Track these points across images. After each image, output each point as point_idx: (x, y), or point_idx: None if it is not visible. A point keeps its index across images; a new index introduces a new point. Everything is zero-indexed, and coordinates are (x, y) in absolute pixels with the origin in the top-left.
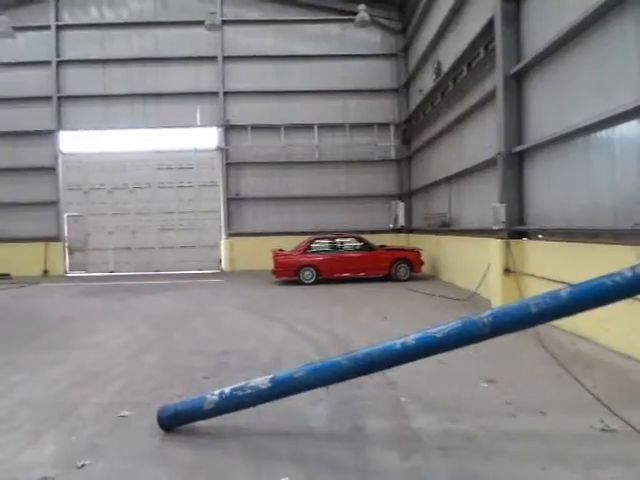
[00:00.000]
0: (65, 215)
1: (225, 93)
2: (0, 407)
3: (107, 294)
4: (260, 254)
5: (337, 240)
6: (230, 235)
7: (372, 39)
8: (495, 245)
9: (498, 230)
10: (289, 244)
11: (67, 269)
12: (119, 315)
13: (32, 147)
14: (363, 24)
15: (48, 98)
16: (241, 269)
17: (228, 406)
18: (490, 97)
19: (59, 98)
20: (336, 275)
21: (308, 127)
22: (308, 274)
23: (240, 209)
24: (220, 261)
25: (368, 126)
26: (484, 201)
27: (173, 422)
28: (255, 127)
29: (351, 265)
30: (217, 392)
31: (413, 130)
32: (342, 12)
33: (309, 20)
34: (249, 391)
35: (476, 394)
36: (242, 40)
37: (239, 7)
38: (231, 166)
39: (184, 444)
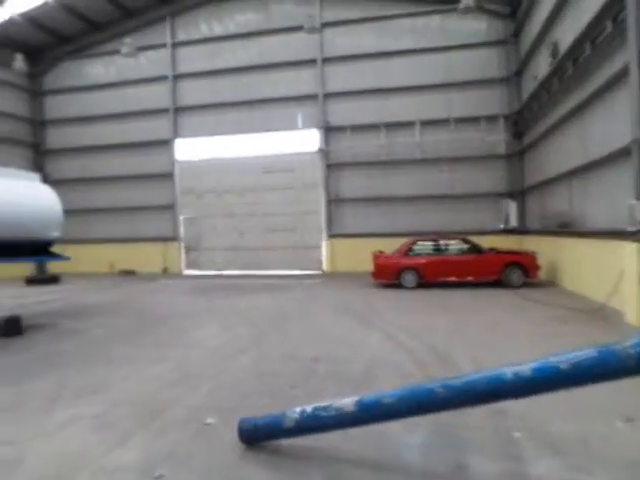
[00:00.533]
0: (181, 217)
1: (325, 95)
2: (100, 402)
3: (213, 292)
4: (360, 256)
5: (441, 242)
6: (331, 236)
7: (477, 27)
8: (630, 249)
9: (634, 232)
10: (390, 246)
11: (183, 267)
12: (221, 313)
13: (152, 155)
14: (467, 11)
15: (165, 110)
16: (341, 271)
17: (309, 426)
18: (620, 76)
19: (175, 109)
20: (440, 279)
21: (409, 124)
22: (410, 277)
23: (340, 210)
24: (321, 262)
25: (474, 120)
26: (614, 198)
27: (253, 437)
28: (355, 127)
29: (457, 269)
30: (298, 410)
31: (526, 122)
32: (444, 2)
33: (408, 14)
34: (332, 413)
35: (610, 435)
36: (341, 41)
37: (338, 8)
38: (331, 167)
39: (263, 464)
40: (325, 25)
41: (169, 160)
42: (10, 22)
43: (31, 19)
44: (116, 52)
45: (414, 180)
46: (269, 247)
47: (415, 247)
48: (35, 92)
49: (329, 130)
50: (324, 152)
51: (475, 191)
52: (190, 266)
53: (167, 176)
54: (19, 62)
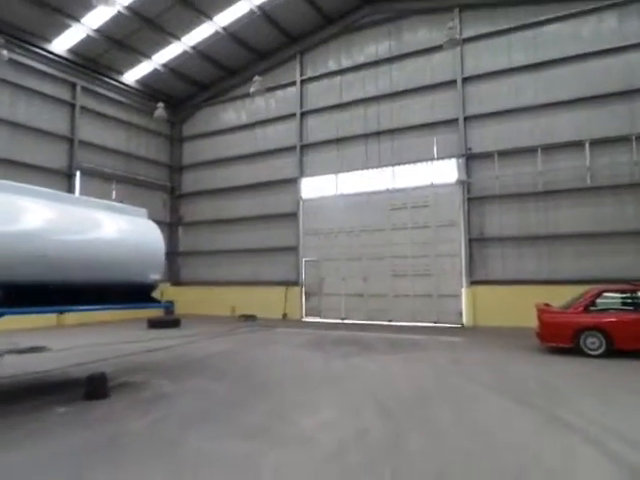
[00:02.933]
0: (303, 260)
1: (465, 118)
2: None
3: (332, 347)
4: (510, 308)
5: None
6: (472, 283)
7: None
8: None
9: None
10: (550, 296)
11: (303, 314)
12: (340, 383)
13: (278, 195)
14: None
15: (292, 148)
16: (485, 324)
17: None
18: None
19: (302, 147)
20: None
21: (575, 145)
22: (594, 341)
23: (485, 252)
24: (460, 314)
25: None
26: None
27: None
28: (503, 153)
29: None
30: None
31: None
32: None
33: (568, 15)
34: None
35: None
36: (484, 56)
37: (479, 22)
38: (473, 201)
39: None
40: (465, 41)
41: (294, 199)
42: (154, 73)
43: (172, 69)
44: (247, 95)
45: (582, 213)
46: (398, 295)
47: (600, 300)
48: (174, 138)
49: (471, 158)
50: (465, 183)
51: None
52: (310, 313)
53: (291, 216)
54: (160, 110)
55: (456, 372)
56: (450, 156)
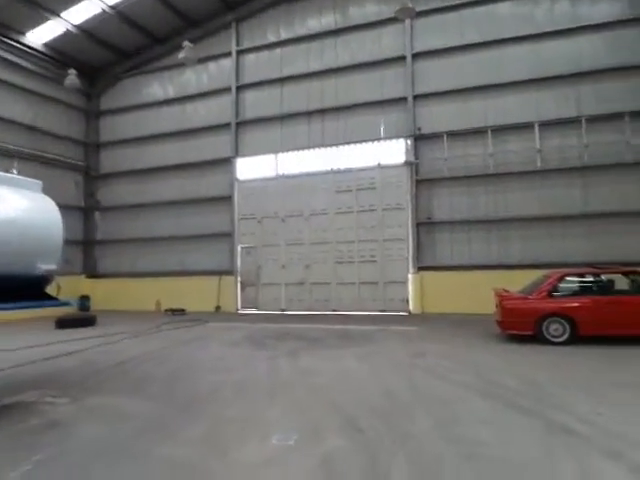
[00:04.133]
0: (239, 246)
1: (415, 97)
2: None
3: (275, 344)
4: (459, 294)
5: (603, 277)
6: (420, 269)
7: (613, 3)
8: None
9: None
10: (502, 281)
11: (239, 306)
12: (290, 391)
13: (210, 176)
14: None
15: (227, 125)
16: (433, 312)
17: None
18: None
19: (237, 124)
20: (606, 332)
21: (525, 127)
22: (557, 328)
23: (433, 236)
24: (408, 301)
25: (615, 117)
26: None
27: None
28: (452, 134)
29: (634, 316)
30: None
31: None
32: None
33: None
34: None
35: None
36: (434, 32)
37: None
38: (422, 184)
39: None
40: (418, 14)
41: (228, 181)
42: (66, 35)
43: (87, 32)
44: (176, 66)
45: (532, 197)
46: (342, 282)
47: (562, 284)
48: (90, 112)
49: (420, 139)
50: (413, 165)
51: (619, 209)
52: (247, 304)
53: (225, 199)
54: (72, 78)
55: (423, 368)
56: (398, 136)
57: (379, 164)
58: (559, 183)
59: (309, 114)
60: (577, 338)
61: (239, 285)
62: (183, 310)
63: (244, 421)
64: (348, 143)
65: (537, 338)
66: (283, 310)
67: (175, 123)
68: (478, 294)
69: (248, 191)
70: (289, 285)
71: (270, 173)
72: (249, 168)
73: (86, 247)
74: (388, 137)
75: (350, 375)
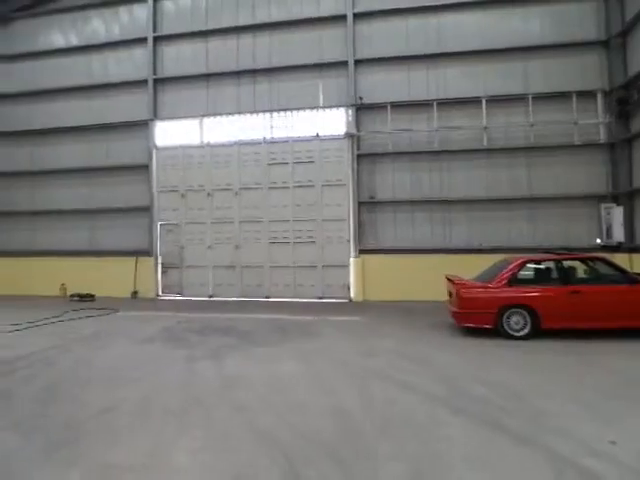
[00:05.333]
0: (158, 224)
1: (356, 62)
2: None
3: (197, 340)
4: (403, 280)
5: (565, 263)
6: (362, 252)
7: None
8: None
9: None
10: (444, 266)
11: (160, 291)
12: (209, 413)
13: (122, 141)
14: None
15: (143, 82)
16: (376, 299)
17: None
18: None
19: (155, 81)
20: (569, 324)
21: (472, 102)
22: (518, 320)
23: (376, 217)
24: (348, 288)
25: (562, 97)
26: None
27: None
28: (397, 105)
29: (599, 308)
30: None
31: (636, 99)
32: None
33: None
34: None
35: None
36: None
37: None
38: (364, 159)
39: None
40: None
41: (145, 148)
42: None
43: None
44: (79, 9)
45: (477, 177)
46: (277, 265)
47: (522, 272)
48: None
49: (362, 109)
50: (354, 137)
51: (563, 192)
52: (169, 290)
53: (142, 168)
54: None
55: (377, 373)
56: (339, 105)
57: (318, 135)
58: (504, 163)
59: (238, 75)
60: (538, 332)
61: (159, 268)
62: (92, 296)
63: (134, 472)
64: (284, 110)
65: (497, 331)
66: (211, 296)
67: (80, 77)
68: (422, 280)
69: (169, 160)
70: (217, 268)
71: (195, 141)
72: (170, 134)
73: None
74: (327, 106)
75: (287, 385)
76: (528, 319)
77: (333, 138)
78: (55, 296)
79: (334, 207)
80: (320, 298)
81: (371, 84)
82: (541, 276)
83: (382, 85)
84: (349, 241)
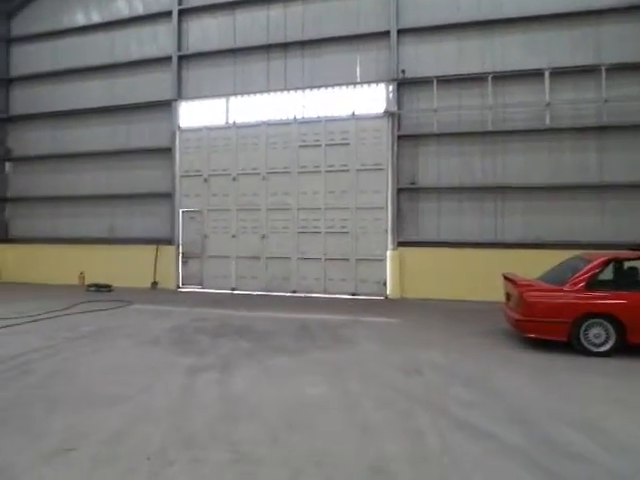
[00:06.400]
0: (180, 211)
1: (399, 32)
2: None
3: (207, 343)
4: (446, 276)
5: None
6: (400, 244)
7: None
8: None
9: None
10: (496, 262)
11: (180, 282)
12: (197, 452)
13: (145, 123)
14: None
15: (167, 59)
16: (415, 297)
17: None
18: None
19: (180, 58)
20: None
21: (533, 75)
22: (599, 333)
23: (417, 205)
24: (385, 284)
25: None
26: None
27: None
28: (444, 80)
29: None
30: None
31: None
32: None
33: None
34: None
35: None
36: None
37: None
38: (405, 140)
39: None
40: None
41: (168, 129)
42: None
43: None
44: None
45: (538, 161)
46: (306, 257)
47: (603, 273)
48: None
49: (404, 85)
50: (395, 116)
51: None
52: (189, 281)
53: (164, 152)
54: None
55: (425, 402)
56: (378, 80)
57: (353, 114)
58: (570, 146)
59: (268, 49)
60: (623, 347)
61: (180, 257)
62: (109, 286)
63: None
64: (317, 87)
65: (569, 344)
66: (233, 289)
67: (101, 55)
68: (469, 278)
69: (192, 142)
70: (241, 259)
71: (220, 121)
72: (194, 114)
73: None
74: (365, 81)
75: (308, 419)
76: (612, 331)
77: (371, 117)
78: (73, 285)
79: (370, 194)
80: (352, 294)
81: (415, 56)
82: (626, 278)
83: (428, 57)
84: (386, 232)
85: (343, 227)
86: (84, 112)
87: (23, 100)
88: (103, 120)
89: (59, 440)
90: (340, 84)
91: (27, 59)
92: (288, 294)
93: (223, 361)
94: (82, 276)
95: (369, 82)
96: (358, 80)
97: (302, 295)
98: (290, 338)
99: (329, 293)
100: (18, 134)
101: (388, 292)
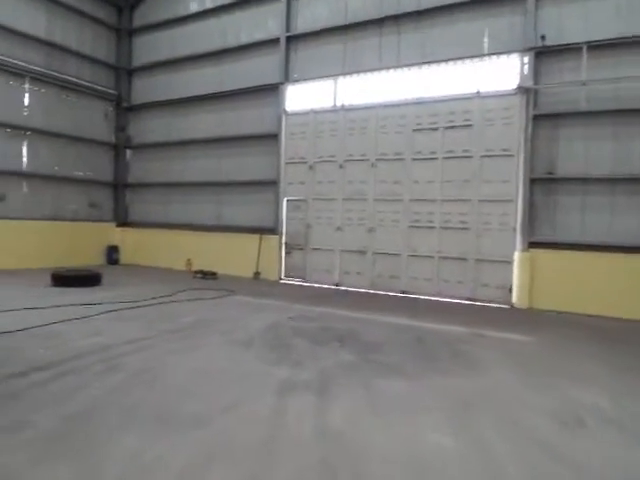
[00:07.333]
0: (285, 199)
1: None
2: None
3: (305, 350)
4: (590, 285)
5: None
6: (532, 245)
7: None
8: None
9: None
10: None
11: (282, 274)
12: None
13: (252, 108)
14: None
15: (274, 41)
16: (548, 307)
17: None
18: None
19: (288, 39)
20: None
21: None
22: None
23: (554, 199)
24: (510, 290)
25: None
26: None
27: None
28: (597, 45)
29: None
30: None
31: None
32: None
33: None
34: None
35: None
36: None
37: None
38: (542, 121)
39: None
40: None
41: (274, 114)
42: None
43: None
44: None
45: None
46: (417, 254)
47: None
48: (122, 30)
49: (543, 54)
50: (530, 93)
51: None
52: (292, 273)
53: (270, 138)
54: None
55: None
56: (509, 51)
57: (478, 92)
58: None
59: (381, 23)
60: None
61: (283, 248)
62: (214, 274)
63: None
64: (434, 62)
65: None
66: (337, 285)
67: (213, 41)
68: (621, 289)
69: (298, 127)
70: (346, 253)
71: (327, 104)
72: (300, 98)
73: (117, 191)
74: (493, 52)
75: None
76: None
77: (499, 95)
78: (181, 270)
79: (497, 184)
80: (470, 300)
81: (558, 19)
82: None
83: (575, 19)
84: (515, 230)
85: (462, 222)
86: (195, 99)
87: (142, 89)
88: (212, 107)
89: (114, 477)
90: (462, 58)
91: (146, 49)
92: (396, 294)
93: (321, 378)
94: (189, 262)
95: (498, 53)
96: (485, 52)
97: (412, 296)
98: (402, 353)
99: (442, 296)
100: (137, 122)
101: (514, 300)
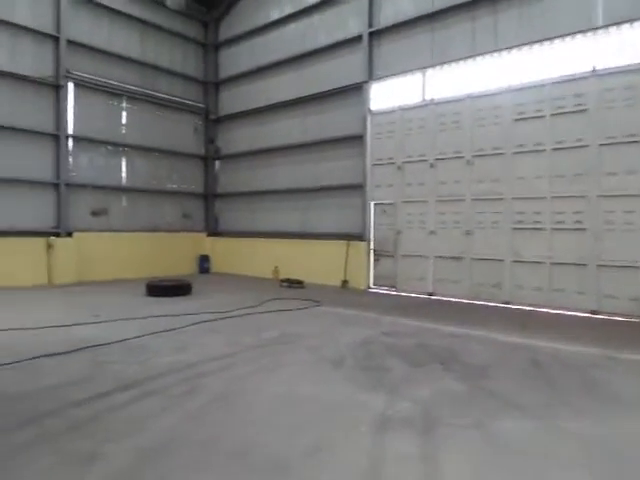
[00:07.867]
0: (371, 203)
1: None
2: None
3: (401, 373)
4: None
5: None
6: None
7: None
8: None
9: None
10: None
11: (371, 282)
12: None
13: (334, 111)
14: None
15: (357, 39)
16: None
17: None
18: None
19: (371, 35)
20: None
21: None
22: None
23: None
24: None
25: None
26: None
27: None
28: None
29: None
30: None
31: None
32: None
33: None
34: None
35: None
36: None
37: None
38: None
39: None
40: None
41: (359, 115)
42: None
43: None
44: None
45: None
46: (523, 260)
47: None
48: (208, 44)
49: None
50: None
51: None
52: (381, 281)
53: (355, 140)
54: None
55: None
56: (631, 19)
57: (594, 69)
58: None
59: (473, 6)
60: None
61: (372, 255)
62: (301, 282)
63: None
64: (538, 42)
65: None
66: (430, 294)
67: (293, 46)
68: None
69: (384, 126)
70: (440, 259)
71: (415, 99)
72: (385, 96)
73: (207, 201)
74: (611, 23)
75: None
76: None
77: (622, 71)
78: (268, 279)
79: (621, 176)
80: (593, 313)
81: None
82: None
83: None
84: None
85: (577, 222)
86: (277, 106)
87: (227, 100)
88: (294, 112)
89: None
90: (572, 32)
91: (230, 61)
92: (498, 305)
93: (423, 412)
94: (276, 270)
95: (618, 23)
96: (600, 23)
97: (517, 307)
98: (517, 380)
99: (555, 308)
100: (224, 133)
101: None
